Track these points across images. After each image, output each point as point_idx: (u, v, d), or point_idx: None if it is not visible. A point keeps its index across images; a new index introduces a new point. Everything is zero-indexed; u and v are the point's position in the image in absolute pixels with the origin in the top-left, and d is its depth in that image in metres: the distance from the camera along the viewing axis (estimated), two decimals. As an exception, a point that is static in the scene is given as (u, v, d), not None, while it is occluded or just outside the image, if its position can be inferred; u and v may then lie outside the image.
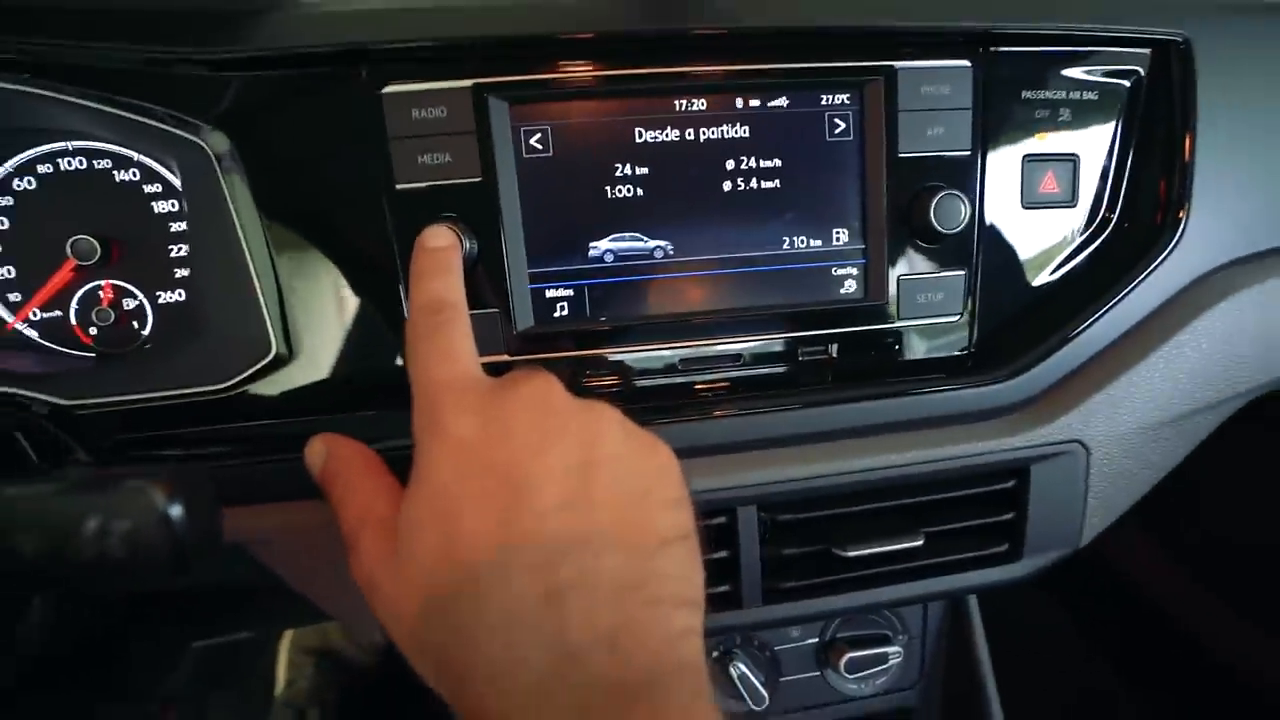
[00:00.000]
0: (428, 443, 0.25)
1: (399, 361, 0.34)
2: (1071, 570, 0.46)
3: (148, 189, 0.33)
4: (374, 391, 0.34)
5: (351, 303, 0.33)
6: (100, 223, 0.33)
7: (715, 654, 0.42)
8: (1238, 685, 0.63)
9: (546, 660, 0.21)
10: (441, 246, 0.30)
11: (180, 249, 0.34)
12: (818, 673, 0.44)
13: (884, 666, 0.43)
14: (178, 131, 0.32)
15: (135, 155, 0.33)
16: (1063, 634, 0.71)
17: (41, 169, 0.33)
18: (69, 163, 0.33)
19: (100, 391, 0.33)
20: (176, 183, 0.33)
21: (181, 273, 0.34)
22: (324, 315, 0.33)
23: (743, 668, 0.41)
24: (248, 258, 0.32)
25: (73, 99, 0.31)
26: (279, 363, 0.33)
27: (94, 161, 0.33)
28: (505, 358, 0.34)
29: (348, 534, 0.27)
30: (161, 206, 0.33)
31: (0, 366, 0.33)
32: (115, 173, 0.33)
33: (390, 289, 0.33)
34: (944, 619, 0.46)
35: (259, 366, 0.33)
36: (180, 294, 0.34)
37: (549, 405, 0.25)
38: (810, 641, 0.44)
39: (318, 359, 0.33)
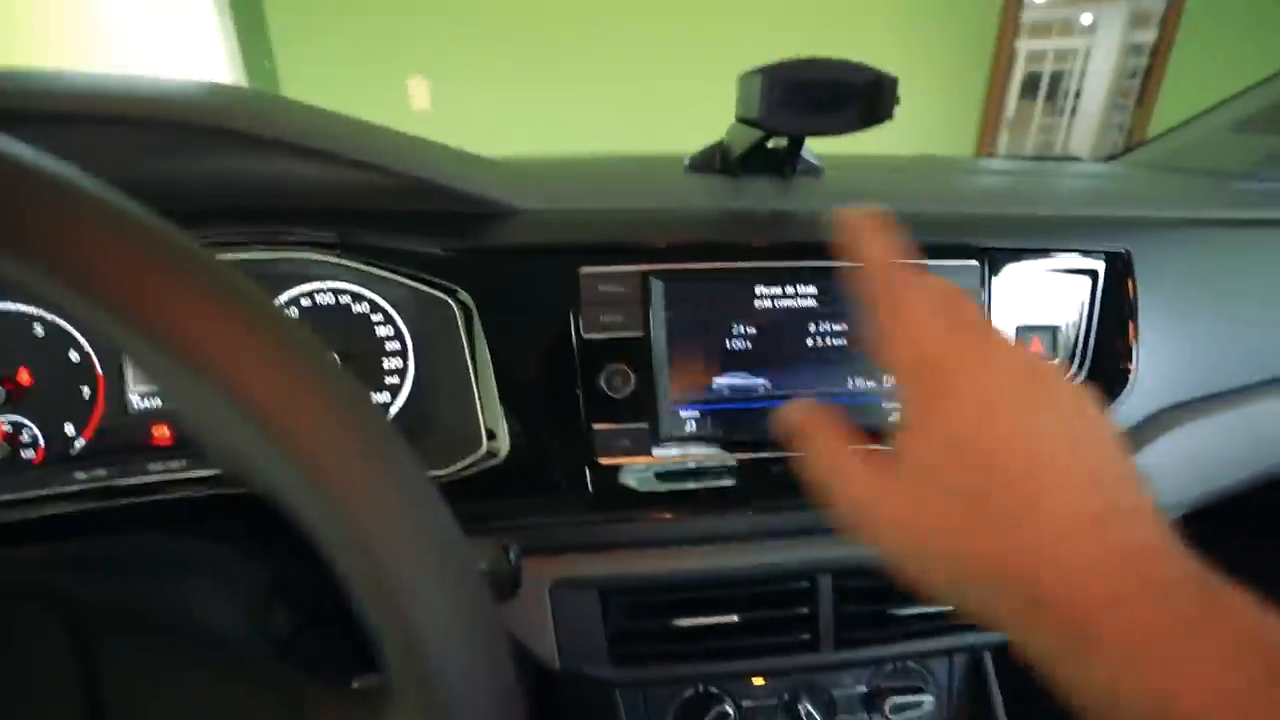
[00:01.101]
0: (934, 412, 0.27)
1: (572, 460, 0.47)
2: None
3: (375, 318, 0.48)
4: (557, 484, 0.46)
5: (545, 416, 0.47)
6: (344, 344, 0.47)
7: (785, 697, 0.53)
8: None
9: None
10: None
11: (400, 364, 0.48)
12: (866, 715, 0.55)
13: (919, 711, 0.53)
14: (432, 291, 0.46)
15: (381, 300, 0.47)
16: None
17: (305, 302, 0.47)
18: (327, 299, 0.47)
19: None
20: (402, 322, 0.47)
21: (403, 383, 0.47)
22: (524, 423, 0.46)
23: (809, 706, 0.51)
24: (471, 378, 0.46)
25: (357, 265, 0.46)
26: (489, 458, 0.46)
27: (339, 299, 0.47)
28: (649, 459, 0.47)
29: (831, 467, 0.29)
30: (386, 331, 0.48)
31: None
32: (353, 306, 0.47)
33: (574, 410, 0.46)
34: (965, 676, 0.56)
35: (472, 459, 0.46)
36: (405, 399, 0.47)
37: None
38: (860, 689, 0.55)
39: (519, 457, 0.46)
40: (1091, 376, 0.53)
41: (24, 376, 0.47)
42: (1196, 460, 0.52)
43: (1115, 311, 0.53)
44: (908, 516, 0.26)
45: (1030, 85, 4.59)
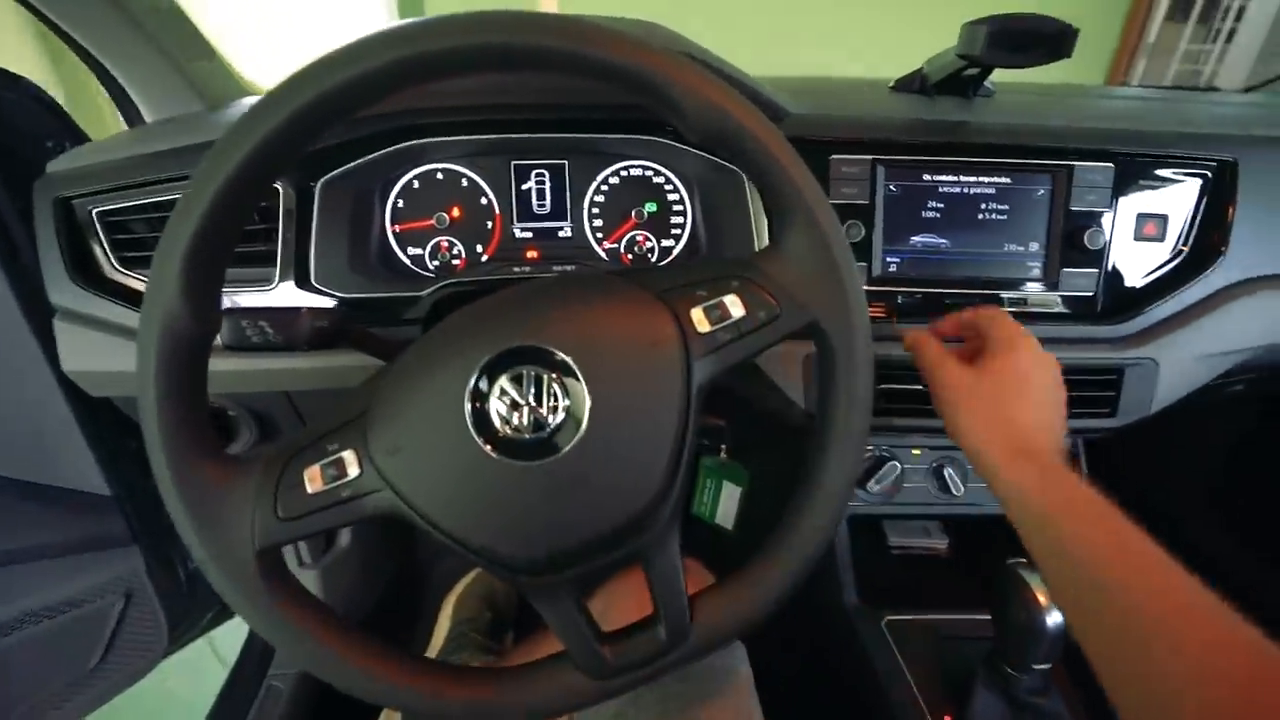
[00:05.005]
0: (1006, 354, 0.51)
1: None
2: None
3: (668, 186, 0.72)
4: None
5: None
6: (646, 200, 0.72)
7: (934, 464, 0.77)
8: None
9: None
10: None
11: (682, 218, 0.73)
12: (987, 483, 0.79)
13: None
14: (728, 165, 0.70)
15: (671, 173, 0.72)
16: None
17: (623, 174, 0.72)
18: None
19: None
20: (684, 188, 0.72)
21: (685, 225, 0.72)
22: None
23: (951, 471, 0.76)
24: (751, 221, 0.70)
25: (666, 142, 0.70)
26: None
27: (645, 172, 0.72)
28: (870, 287, 0.70)
29: (935, 365, 0.53)
30: (674, 196, 0.73)
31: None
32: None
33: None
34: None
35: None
36: (688, 235, 0.72)
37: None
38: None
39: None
40: (1191, 253, 0.72)
41: (455, 212, 0.75)
42: (1259, 318, 0.71)
43: (1218, 206, 0.71)
44: (974, 399, 0.50)
45: (1182, 3, 4.24)
